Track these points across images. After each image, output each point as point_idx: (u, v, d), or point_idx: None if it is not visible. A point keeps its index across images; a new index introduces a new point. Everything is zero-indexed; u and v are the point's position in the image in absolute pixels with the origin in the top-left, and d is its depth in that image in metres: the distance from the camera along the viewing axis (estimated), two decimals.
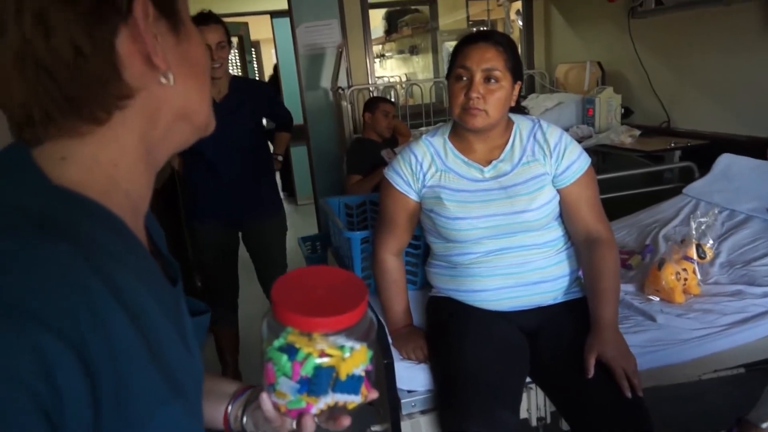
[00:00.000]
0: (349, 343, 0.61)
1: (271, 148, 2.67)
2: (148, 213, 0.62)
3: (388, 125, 3.06)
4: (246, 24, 5.95)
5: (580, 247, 1.48)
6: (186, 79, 0.55)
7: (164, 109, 0.54)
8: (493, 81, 1.38)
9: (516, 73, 1.42)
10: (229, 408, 0.75)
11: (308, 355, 0.60)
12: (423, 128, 3.77)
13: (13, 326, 0.39)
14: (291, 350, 0.60)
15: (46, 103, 0.49)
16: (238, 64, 6.31)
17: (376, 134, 3.07)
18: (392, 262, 1.58)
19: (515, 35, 4.20)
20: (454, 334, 1.41)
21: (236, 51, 6.22)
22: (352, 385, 0.62)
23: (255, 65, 6.34)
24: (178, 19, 0.54)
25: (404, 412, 1.42)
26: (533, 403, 1.45)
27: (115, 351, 0.44)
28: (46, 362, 0.39)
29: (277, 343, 0.61)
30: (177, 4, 0.54)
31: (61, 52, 0.47)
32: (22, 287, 0.40)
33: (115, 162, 0.53)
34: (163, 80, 0.52)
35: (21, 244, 0.42)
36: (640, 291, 1.74)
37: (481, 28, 5.01)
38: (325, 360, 0.60)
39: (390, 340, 1.51)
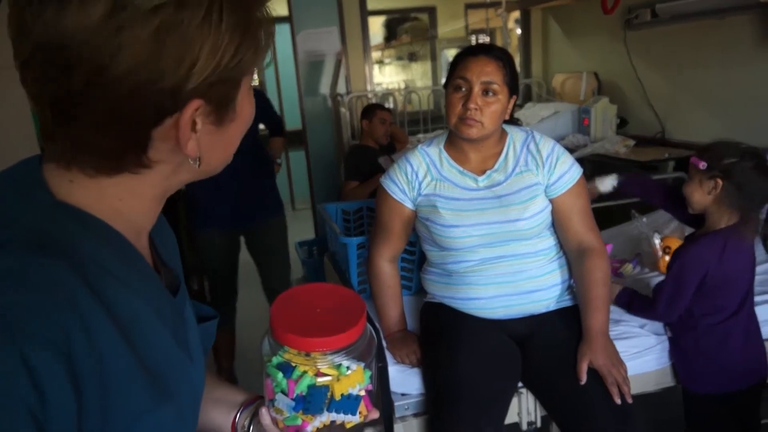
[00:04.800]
0: (346, 362, 0.61)
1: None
2: (155, 225, 0.63)
3: (385, 132, 3.09)
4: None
5: (572, 256, 1.51)
6: (214, 154, 0.55)
7: (182, 173, 0.55)
8: (490, 94, 1.41)
9: (513, 88, 1.45)
10: (237, 417, 0.76)
11: (303, 373, 0.61)
12: (421, 135, 3.80)
13: (4, 339, 0.40)
14: (287, 368, 0.61)
15: (62, 139, 0.49)
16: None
17: (373, 141, 3.10)
18: (387, 268, 1.60)
19: (513, 44, 4.23)
20: (448, 342, 1.43)
21: None
22: (348, 404, 0.62)
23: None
24: (229, 111, 0.53)
25: (397, 414, 1.44)
26: (524, 408, 1.48)
27: (101, 359, 0.46)
28: (35, 373, 0.41)
29: (275, 360, 0.62)
30: (235, 101, 0.53)
31: (98, 117, 0.46)
32: (14, 303, 0.42)
33: (121, 197, 0.53)
34: (190, 162, 0.52)
35: (20, 261, 0.44)
36: None
37: (480, 36, 5.05)
38: (320, 379, 0.61)
39: (384, 344, 1.53)
